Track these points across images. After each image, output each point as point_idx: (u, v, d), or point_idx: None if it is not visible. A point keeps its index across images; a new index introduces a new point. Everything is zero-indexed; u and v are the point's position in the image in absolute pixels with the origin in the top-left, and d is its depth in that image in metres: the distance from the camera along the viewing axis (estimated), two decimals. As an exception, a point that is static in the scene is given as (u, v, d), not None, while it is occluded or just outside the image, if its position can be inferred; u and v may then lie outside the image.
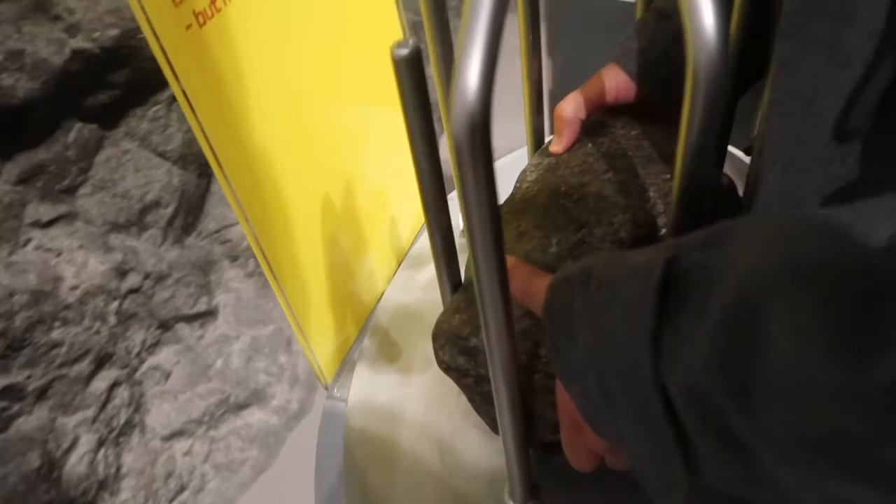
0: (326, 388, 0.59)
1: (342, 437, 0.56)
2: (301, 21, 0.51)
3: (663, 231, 0.45)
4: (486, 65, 0.27)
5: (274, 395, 1.40)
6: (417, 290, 0.66)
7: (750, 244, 0.24)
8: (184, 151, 1.32)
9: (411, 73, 0.37)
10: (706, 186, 0.35)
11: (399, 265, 0.68)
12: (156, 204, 1.28)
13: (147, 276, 1.26)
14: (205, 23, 0.41)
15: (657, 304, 0.27)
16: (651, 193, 0.47)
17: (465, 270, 0.50)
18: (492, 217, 0.31)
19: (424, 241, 0.71)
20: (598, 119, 0.54)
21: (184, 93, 0.40)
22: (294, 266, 0.54)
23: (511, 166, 0.73)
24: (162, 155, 1.30)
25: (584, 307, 0.32)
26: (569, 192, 0.48)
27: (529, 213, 0.49)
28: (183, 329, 1.32)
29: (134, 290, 1.24)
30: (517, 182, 0.55)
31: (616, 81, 0.52)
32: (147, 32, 0.38)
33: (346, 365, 0.61)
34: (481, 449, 0.52)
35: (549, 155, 0.55)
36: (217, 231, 1.45)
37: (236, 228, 1.48)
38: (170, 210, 1.31)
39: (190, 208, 1.36)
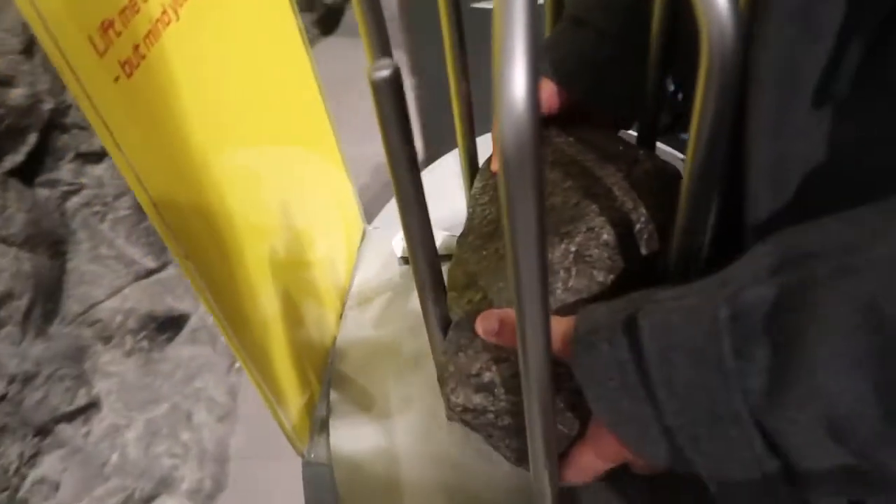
0: (303, 456, 0.54)
1: (335, 504, 0.51)
2: (224, 60, 0.47)
3: (638, 226, 0.45)
4: (530, 75, 0.26)
5: (183, 477, 1.28)
6: (369, 329, 0.62)
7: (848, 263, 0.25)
8: (30, 232, 1.18)
9: (392, 95, 0.34)
10: (717, 178, 0.36)
11: (344, 306, 0.64)
12: (7, 296, 1.12)
13: (12, 381, 1.10)
14: (132, 73, 0.36)
15: (735, 345, 0.27)
16: (616, 192, 0.47)
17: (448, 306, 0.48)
18: (539, 234, 0.29)
19: (362, 278, 0.67)
20: None
21: (117, 146, 0.35)
22: (250, 323, 0.49)
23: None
24: (4, 241, 1.14)
25: (635, 358, 0.31)
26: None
27: (501, 236, 0.48)
28: (65, 430, 1.17)
29: (-1, 399, 1.08)
30: (469, 208, 0.54)
31: (547, 93, 0.52)
32: (74, 89, 0.32)
33: (315, 425, 0.56)
34: (493, 482, 0.49)
35: (493, 174, 0.54)
36: (83, 313, 1.30)
37: (105, 306, 1.34)
38: (25, 301, 1.15)
39: (48, 294, 1.21)
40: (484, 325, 0.41)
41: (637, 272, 0.44)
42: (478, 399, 0.43)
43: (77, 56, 0.32)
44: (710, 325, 0.28)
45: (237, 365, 1.41)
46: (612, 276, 0.43)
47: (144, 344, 1.35)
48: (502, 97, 0.26)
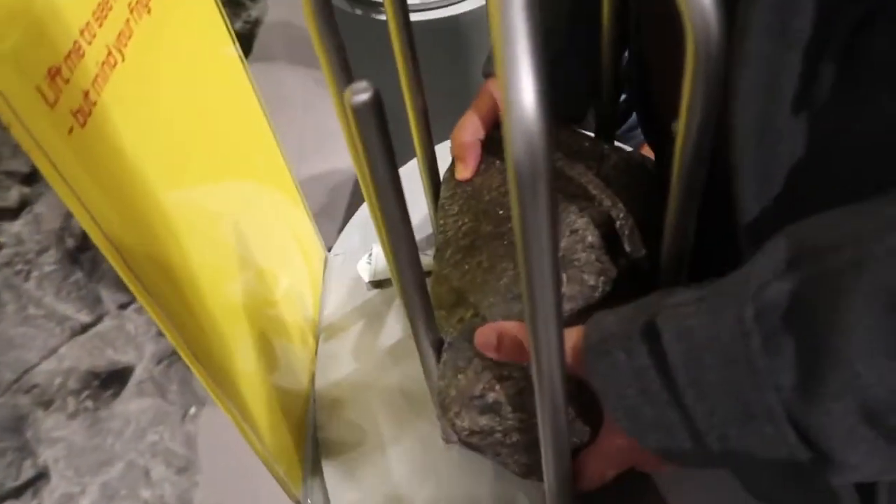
0: (299, 503, 0.51)
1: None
2: (173, 98, 0.44)
3: (619, 223, 0.45)
4: (538, 79, 0.25)
5: (148, 538, 1.21)
6: (347, 362, 0.60)
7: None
8: (-51, 300, 1.09)
9: (374, 118, 0.33)
10: (705, 174, 0.36)
11: (317, 341, 0.62)
12: (-68, 373, 1.04)
13: (-52, 463, 1.02)
14: (85, 122, 0.33)
15: (763, 342, 0.27)
16: (591, 190, 0.46)
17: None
18: (552, 243, 0.28)
19: (331, 309, 0.65)
20: (492, 135, 0.53)
21: (77, 197, 0.32)
22: (225, 369, 0.46)
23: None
24: (-78, 312, 1.06)
25: (656, 364, 0.31)
26: (511, 214, 0.46)
27: (481, 247, 0.47)
28: (13, 507, 1.09)
29: (-64, 486, 0.99)
30: (439, 220, 0.52)
31: (500, 94, 0.52)
32: (28, 145, 0.29)
33: (306, 468, 0.54)
34: (503, 497, 0.48)
35: (459, 183, 0.53)
36: (17, 380, 1.22)
37: (41, 369, 1.25)
38: (-48, 374, 1.07)
39: (-23, 364, 1.12)
40: (481, 340, 0.40)
41: (625, 271, 0.44)
42: (484, 421, 0.42)
43: (27, 110, 0.29)
44: (738, 325, 0.28)
45: (192, 412, 1.35)
46: (602, 279, 0.42)
47: (89, 403, 1.28)
48: (510, 107, 0.25)
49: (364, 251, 0.67)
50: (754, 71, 0.32)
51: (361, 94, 0.32)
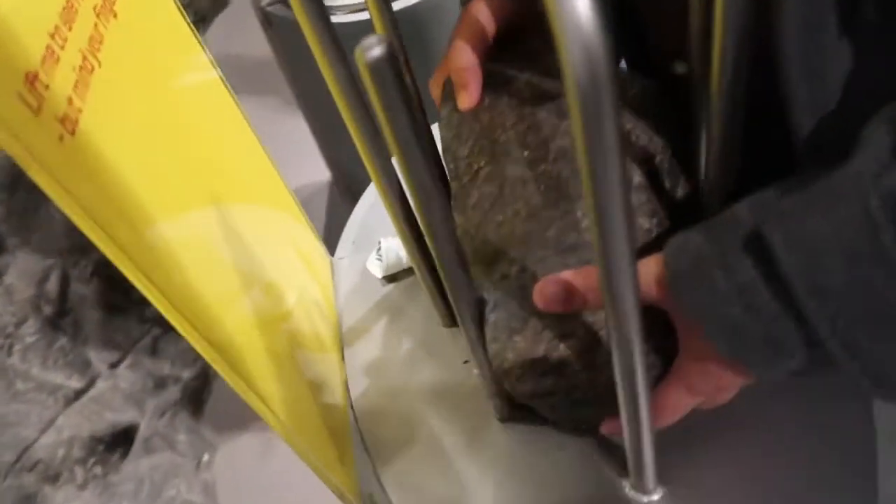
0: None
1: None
2: (153, 106, 0.41)
3: (658, 157, 0.42)
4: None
5: None
6: (378, 363, 0.56)
7: None
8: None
9: (391, 73, 0.30)
10: (745, 97, 0.34)
11: (341, 347, 0.59)
12: (-73, 467, 0.98)
13: (-40, 558, 0.96)
14: (74, 130, 0.30)
15: (894, 234, 0.25)
16: (625, 124, 0.43)
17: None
18: (621, 168, 0.25)
19: (348, 313, 0.62)
20: (489, 69, 0.48)
21: (82, 208, 0.29)
22: (282, 394, 0.43)
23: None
24: None
25: (764, 276, 0.29)
26: (540, 156, 0.42)
27: (514, 195, 0.42)
28: (36, 592, 1.03)
29: (-48, 584, 0.94)
30: (449, 164, 0.48)
31: (490, 9, 0.47)
32: (20, 154, 0.26)
33: (362, 479, 0.50)
34: (567, 486, 0.46)
35: (463, 119, 0.47)
36: (17, 460, 1.16)
37: (41, 444, 1.20)
38: (-52, 465, 1.01)
39: (-27, 450, 1.07)
40: (545, 295, 0.37)
41: (673, 208, 0.41)
42: (548, 382, 0.39)
43: (13, 118, 0.26)
44: (863, 220, 0.26)
45: (205, 459, 1.30)
46: (655, 220, 0.40)
47: (97, 470, 1.22)
48: (564, 18, 0.22)
49: (367, 250, 0.64)
50: (795, 5, 0.32)
51: (374, 49, 0.30)
